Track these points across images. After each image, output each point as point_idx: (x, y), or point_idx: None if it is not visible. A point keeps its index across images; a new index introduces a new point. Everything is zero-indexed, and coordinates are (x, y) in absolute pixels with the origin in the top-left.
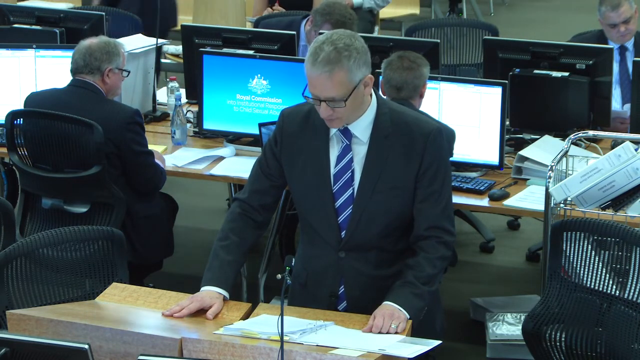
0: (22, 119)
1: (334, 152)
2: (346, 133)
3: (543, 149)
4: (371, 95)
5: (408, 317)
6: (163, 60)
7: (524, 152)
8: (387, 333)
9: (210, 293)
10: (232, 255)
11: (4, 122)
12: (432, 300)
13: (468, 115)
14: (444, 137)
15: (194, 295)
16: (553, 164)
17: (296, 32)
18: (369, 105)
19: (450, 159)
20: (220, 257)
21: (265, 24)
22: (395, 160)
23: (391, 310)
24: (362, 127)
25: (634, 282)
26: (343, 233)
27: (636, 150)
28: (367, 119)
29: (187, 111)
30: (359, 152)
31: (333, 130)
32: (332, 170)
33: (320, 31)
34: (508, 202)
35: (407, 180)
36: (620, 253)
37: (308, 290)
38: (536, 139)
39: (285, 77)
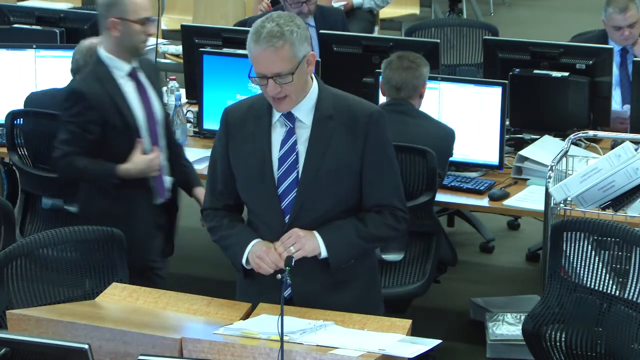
0: (22, 119)
1: (277, 137)
2: (289, 117)
3: (543, 149)
4: (312, 78)
5: (326, 255)
6: (163, 60)
7: (524, 152)
8: (284, 251)
9: (255, 244)
10: (237, 223)
11: (4, 122)
12: (373, 290)
13: (468, 115)
14: (386, 119)
15: (252, 258)
16: (553, 164)
17: None
18: (311, 88)
19: (450, 159)
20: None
21: (240, 23)
22: (339, 141)
23: (307, 236)
24: (305, 110)
25: (634, 282)
26: (287, 218)
27: (636, 150)
28: (310, 101)
29: (187, 111)
30: (302, 135)
31: (276, 117)
32: (277, 155)
33: None
34: (508, 202)
35: (352, 161)
36: (620, 253)
37: (254, 280)
38: (536, 139)
39: None
